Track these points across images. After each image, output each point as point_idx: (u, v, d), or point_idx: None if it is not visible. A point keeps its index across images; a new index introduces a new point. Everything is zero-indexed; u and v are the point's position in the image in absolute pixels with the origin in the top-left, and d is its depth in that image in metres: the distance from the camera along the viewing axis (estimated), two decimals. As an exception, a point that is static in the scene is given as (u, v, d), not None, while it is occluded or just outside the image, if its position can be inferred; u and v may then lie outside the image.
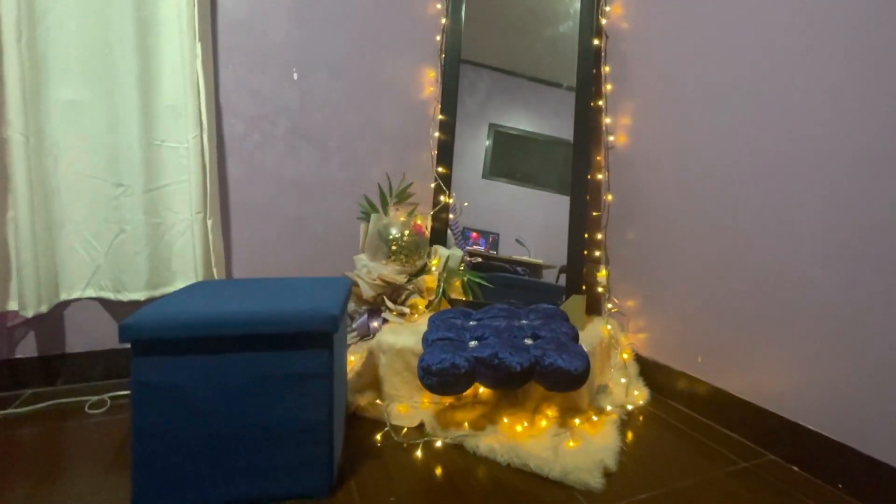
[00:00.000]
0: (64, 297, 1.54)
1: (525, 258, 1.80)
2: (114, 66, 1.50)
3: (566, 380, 1.18)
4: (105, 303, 1.58)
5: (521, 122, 1.84)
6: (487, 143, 1.84)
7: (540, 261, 1.78)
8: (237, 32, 1.66)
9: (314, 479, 1.02)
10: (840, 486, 1.04)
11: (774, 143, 1.18)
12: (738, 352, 1.27)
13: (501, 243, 1.82)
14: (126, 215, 1.55)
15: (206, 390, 0.97)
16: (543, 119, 1.82)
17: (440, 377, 1.19)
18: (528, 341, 1.28)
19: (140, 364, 0.96)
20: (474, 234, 1.83)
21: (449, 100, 1.81)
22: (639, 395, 1.44)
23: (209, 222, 1.59)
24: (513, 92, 1.85)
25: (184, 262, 1.62)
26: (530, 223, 1.82)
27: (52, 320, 1.54)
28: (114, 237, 1.55)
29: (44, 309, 1.46)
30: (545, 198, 1.80)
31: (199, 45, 1.54)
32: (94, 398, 1.44)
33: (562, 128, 1.75)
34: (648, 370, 1.51)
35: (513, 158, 1.84)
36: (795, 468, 1.13)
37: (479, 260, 1.79)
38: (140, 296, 1.56)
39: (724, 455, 1.19)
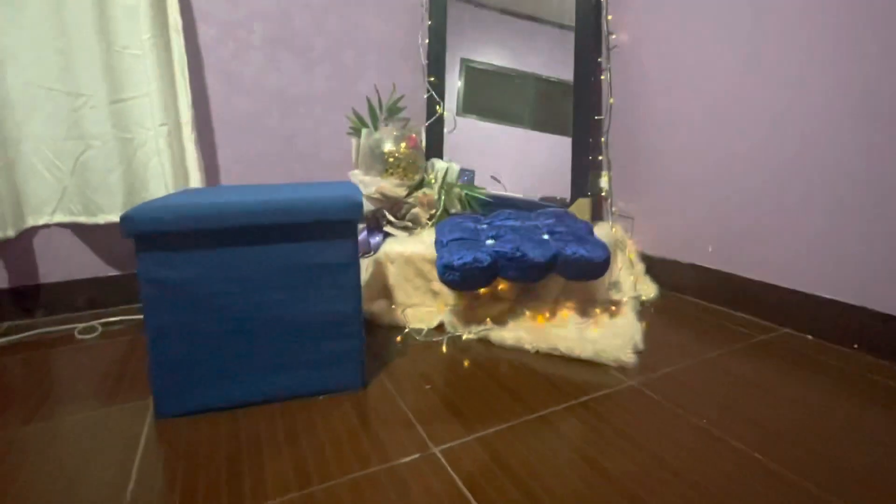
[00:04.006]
0: (31, 222, 1.39)
1: (502, 193, 1.77)
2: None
3: (590, 269, 1.17)
4: (79, 228, 1.45)
5: (492, 57, 1.77)
6: (459, 82, 1.76)
7: (518, 195, 1.75)
8: (201, -79, 1.48)
9: (347, 372, 0.98)
10: (856, 345, 1.09)
11: (786, 29, 1.15)
12: (749, 235, 1.29)
13: (477, 180, 1.78)
14: (92, 129, 1.39)
15: (223, 284, 0.90)
16: (515, 54, 1.75)
17: (462, 272, 1.15)
18: (546, 237, 1.26)
19: (147, 260, 0.87)
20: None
21: (438, 3, 1.70)
22: (648, 290, 1.46)
23: (190, 134, 1.46)
24: (484, 25, 1.76)
25: (160, 181, 1.48)
26: (505, 159, 1.79)
27: (24, 249, 1.40)
28: (79, 154, 1.40)
29: (11, 233, 1.32)
30: (519, 134, 1.77)
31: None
32: (83, 325, 1.33)
33: (535, 63, 1.72)
34: (655, 267, 1.53)
35: (486, 95, 1.79)
36: (810, 337, 1.17)
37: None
38: (118, 217, 1.43)
39: (741, 332, 1.22)
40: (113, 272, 1.51)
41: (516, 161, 1.78)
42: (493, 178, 1.77)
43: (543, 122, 1.76)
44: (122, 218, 0.85)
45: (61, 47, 1.34)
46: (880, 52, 1.01)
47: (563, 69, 1.69)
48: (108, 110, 1.40)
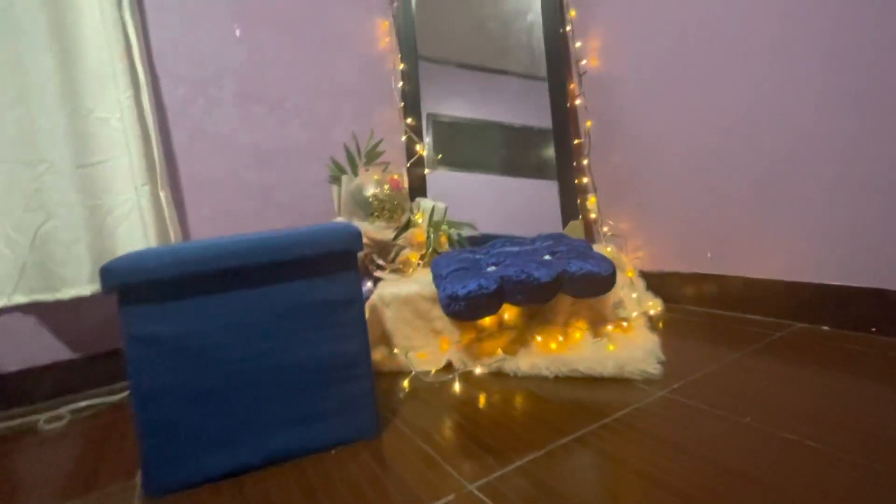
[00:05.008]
0: (-12, 305, 1.27)
1: (489, 231, 1.76)
2: (16, 23, 1.27)
3: (598, 283, 1.13)
4: (41, 308, 1.32)
5: (458, 109, 1.81)
6: (427, 138, 1.78)
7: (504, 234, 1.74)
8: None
9: (359, 418, 0.89)
10: (874, 329, 1.07)
11: (760, 17, 1.20)
12: (749, 235, 1.29)
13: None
14: (55, 197, 1.30)
15: (218, 334, 0.82)
16: (480, 104, 1.80)
17: (468, 301, 1.09)
18: (548, 257, 1.23)
19: (131, 315, 0.79)
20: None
21: (408, 47, 1.74)
22: (652, 305, 1.43)
23: (162, 194, 1.40)
24: (447, 79, 1.81)
25: (132, 246, 1.39)
26: (479, 207, 1.79)
27: (-22, 336, 1.27)
28: (39, 225, 1.30)
29: (-33, 318, 1.20)
30: (494, 180, 1.80)
31: (124, -1, 1.36)
32: (48, 415, 1.19)
33: (501, 109, 1.77)
34: (655, 282, 1.50)
35: (454, 146, 1.81)
36: (826, 328, 1.15)
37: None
38: (85, 290, 1.32)
39: (756, 332, 1.19)
40: (78, 355, 1.38)
41: (493, 206, 1.78)
42: (469, 226, 1.74)
43: (517, 167, 1.77)
44: (102, 270, 0.77)
45: (18, 113, 1.28)
46: (867, 46, 1.04)
47: (532, 112, 1.72)
48: (74, 176, 1.32)
